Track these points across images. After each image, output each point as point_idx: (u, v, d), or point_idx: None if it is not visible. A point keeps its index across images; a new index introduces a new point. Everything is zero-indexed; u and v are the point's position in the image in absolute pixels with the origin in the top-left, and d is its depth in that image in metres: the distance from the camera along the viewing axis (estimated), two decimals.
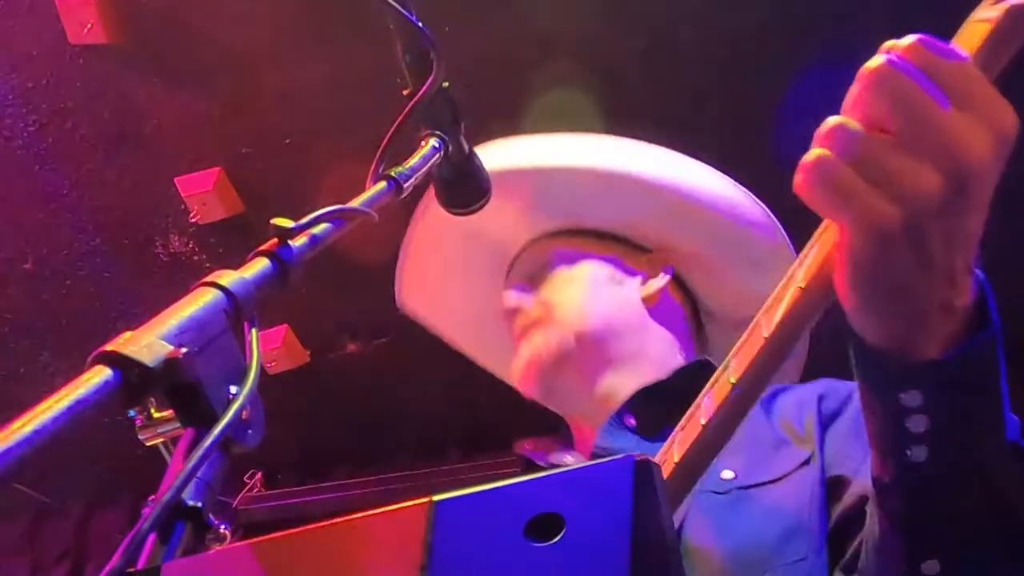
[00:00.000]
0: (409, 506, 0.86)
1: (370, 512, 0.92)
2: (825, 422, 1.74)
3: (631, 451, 1.78)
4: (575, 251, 2.15)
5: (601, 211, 2.17)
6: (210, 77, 3.83)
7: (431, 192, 1.80)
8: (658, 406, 1.85)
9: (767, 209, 2.18)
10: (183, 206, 4.11)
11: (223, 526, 0.93)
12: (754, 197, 2.17)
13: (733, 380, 1.16)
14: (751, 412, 1.79)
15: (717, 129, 3.72)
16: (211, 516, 0.93)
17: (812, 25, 3.46)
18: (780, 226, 2.18)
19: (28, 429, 0.78)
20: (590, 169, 2.13)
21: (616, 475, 0.81)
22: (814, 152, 0.99)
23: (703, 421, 1.19)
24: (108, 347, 0.88)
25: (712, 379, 1.23)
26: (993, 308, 1.06)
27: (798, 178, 0.99)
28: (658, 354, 2.06)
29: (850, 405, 1.75)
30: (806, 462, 1.66)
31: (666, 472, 1.18)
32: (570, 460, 1.92)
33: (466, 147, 1.68)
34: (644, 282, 2.14)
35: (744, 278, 2.15)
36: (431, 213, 2.19)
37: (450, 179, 1.75)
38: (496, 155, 2.01)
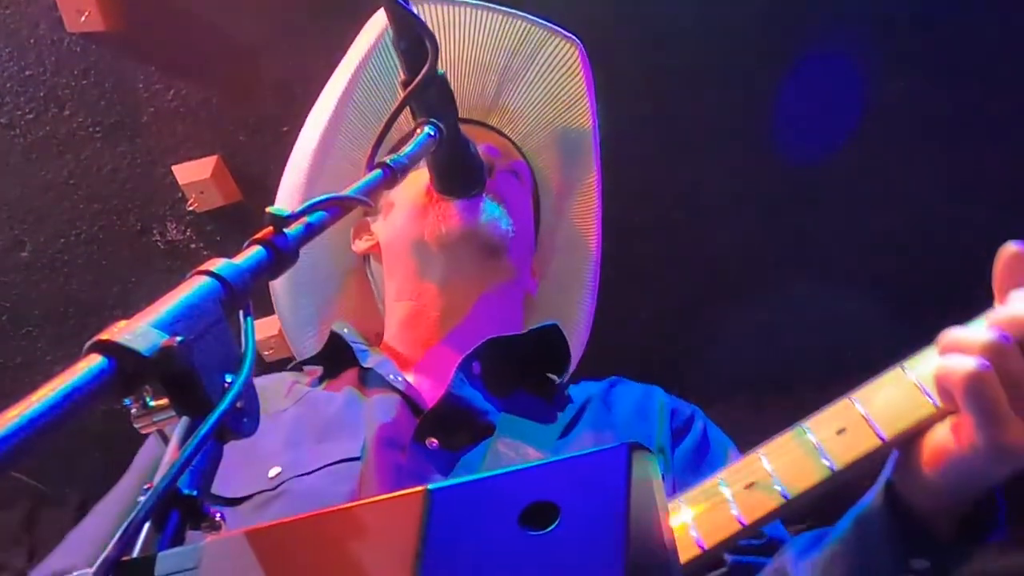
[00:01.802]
0: (404, 495, 0.87)
1: (366, 500, 0.92)
2: (675, 439, 1.82)
3: (477, 403, 1.77)
4: (528, 191, 2.18)
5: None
6: (208, 65, 3.82)
7: None
8: (503, 358, 1.88)
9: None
10: (180, 194, 4.11)
11: (219, 515, 0.93)
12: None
13: (788, 498, 1.20)
14: (595, 405, 1.84)
15: (715, 117, 3.72)
16: (207, 505, 0.93)
17: (810, 13, 3.45)
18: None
19: (24, 418, 0.78)
20: None
21: (611, 463, 0.81)
22: (972, 364, 1.13)
23: (742, 523, 1.22)
24: (103, 336, 0.87)
25: (742, 472, 1.27)
26: (1004, 512, 1.25)
27: (956, 376, 1.14)
28: (521, 315, 2.12)
29: (693, 429, 1.86)
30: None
31: (689, 554, 1.22)
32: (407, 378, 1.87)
33: (461, 134, 1.68)
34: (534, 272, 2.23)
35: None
36: None
37: (445, 165, 1.75)
38: None
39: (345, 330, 1.99)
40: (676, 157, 3.78)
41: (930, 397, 1.19)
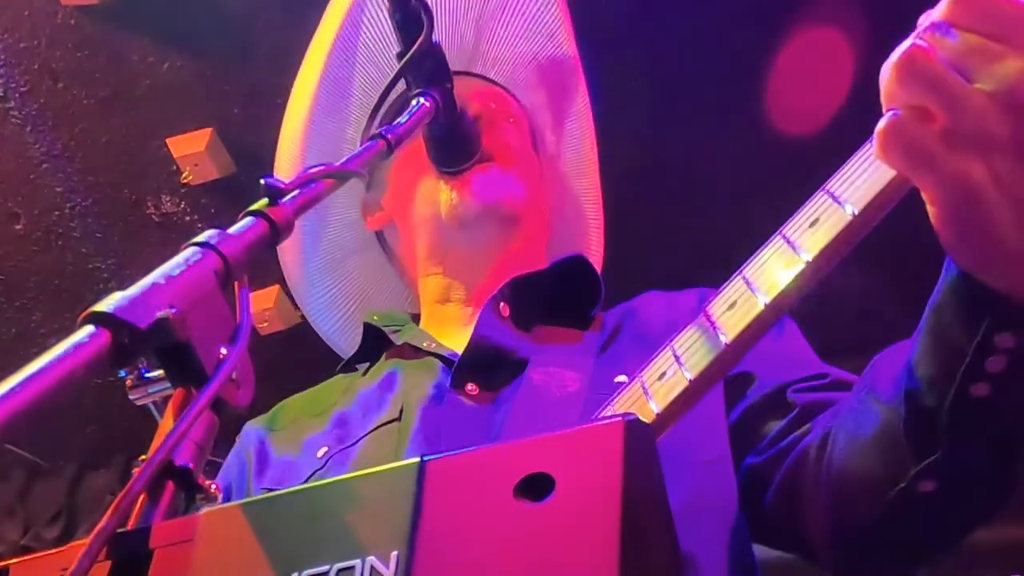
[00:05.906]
0: (399, 467, 0.86)
1: (360, 473, 0.92)
2: None
3: (508, 341, 1.76)
4: (527, 135, 2.12)
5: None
6: (202, 37, 3.81)
7: None
8: (529, 296, 1.85)
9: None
10: (175, 167, 4.11)
11: (214, 486, 0.93)
12: None
13: (690, 378, 1.19)
14: (633, 312, 1.82)
15: (710, 89, 3.72)
16: (202, 476, 0.93)
17: None
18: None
19: (18, 390, 0.78)
20: None
21: (607, 436, 0.81)
22: (888, 115, 0.97)
23: (657, 412, 1.21)
24: (98, 307, 0.87)
25: (657, 365, 1.25)
26: None
27: (878, 144, 0.99)
28: (546, 245, 2.07)
29: None
30: None
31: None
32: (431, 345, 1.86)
33: (457, 105, 1.67)
34: None
35: None
36: None
37: (441, 137, 1.74)
38: None
39: (375, 318, 1.99)
40: (670, 129, 3.78)
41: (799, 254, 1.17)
